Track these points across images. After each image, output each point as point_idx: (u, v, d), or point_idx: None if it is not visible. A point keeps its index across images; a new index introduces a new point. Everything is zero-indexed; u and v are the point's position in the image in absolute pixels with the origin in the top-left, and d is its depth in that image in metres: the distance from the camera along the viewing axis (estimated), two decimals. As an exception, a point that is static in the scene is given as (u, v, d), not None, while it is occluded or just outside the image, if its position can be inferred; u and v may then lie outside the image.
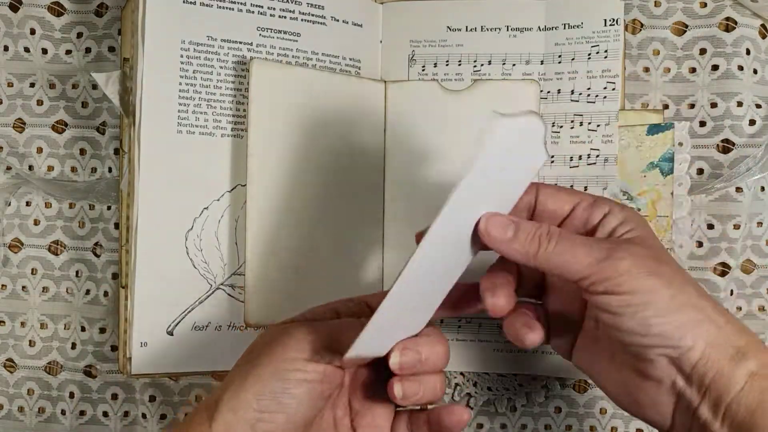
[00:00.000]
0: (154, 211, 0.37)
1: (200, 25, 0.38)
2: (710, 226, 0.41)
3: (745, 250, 0.41)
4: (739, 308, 0.41)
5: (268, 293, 0.38)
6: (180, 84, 0.37)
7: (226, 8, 0.39)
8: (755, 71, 0.41)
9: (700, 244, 0.41)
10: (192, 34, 0.38)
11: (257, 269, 0.37)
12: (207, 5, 0.38)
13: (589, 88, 0.41)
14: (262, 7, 0.39)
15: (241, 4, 0.39)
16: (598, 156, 0.40)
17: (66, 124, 0.43)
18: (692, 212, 0.41)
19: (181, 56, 0.38)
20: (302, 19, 0.40)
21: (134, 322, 0.36)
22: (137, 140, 0.37)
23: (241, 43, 0.39)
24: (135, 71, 0.37)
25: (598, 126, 0.40)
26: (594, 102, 0.40)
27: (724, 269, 0.41)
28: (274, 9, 0.40)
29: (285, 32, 0.40)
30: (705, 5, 0.42)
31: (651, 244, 0.28)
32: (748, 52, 0.41)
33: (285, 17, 0.40)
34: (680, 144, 0.40)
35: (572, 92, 0.41)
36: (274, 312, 0.38)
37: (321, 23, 0.41)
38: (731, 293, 0.41)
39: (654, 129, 0.40)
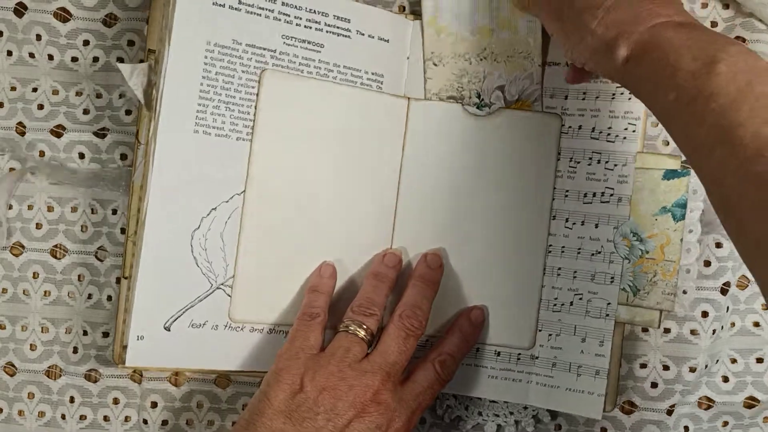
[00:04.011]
0: (164, 207, 0.37)
1: (227, 28, 0.37)
2: (718, 245, 0.41)
3: (741, 266, 0.41)
4: (733, 324, 0.42)
5: (256, 294, 0.39)
6: (201, 85, 0.37)
7: (254, 13, 0.38)
8: None
9: (708, 264, 0.41)
10: (218, 36, 0.37)
11: (248, 269, 0.38)
12: (235, 9, 0.37)
13: (610, 128, 0.40)
14: (288, 15, 0.39)
15: (269, 11, 0.38)
16: (612, 195, 0.40)
17: (64, 128, 0.42)
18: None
19: (206, 57, 0.37)
20: (327, 31, 0.39)
21: (133, 315, 0.36)
22: (155, 135, 0.36)
23: (264, 49, 0.38)
24: (160, 66, 0.36)
25: (615, 165, 0.40)
26: (614, 141, 0.40)
27: (725, 287, 0.41)
28: (300, 18, 0.39)
29: (309, 42, 0.39)
30: (716, 24, 0.42)
31: None
32: None
33: (310, 27, 0.39)
34: (694, 192, 0.41)
35: (593, 129, 0.40)
36: (260, 312, 0.39)
37: (345, 36, 0.40)
38: (727, 309, 0.41)
39: (670, 174, 0.40)
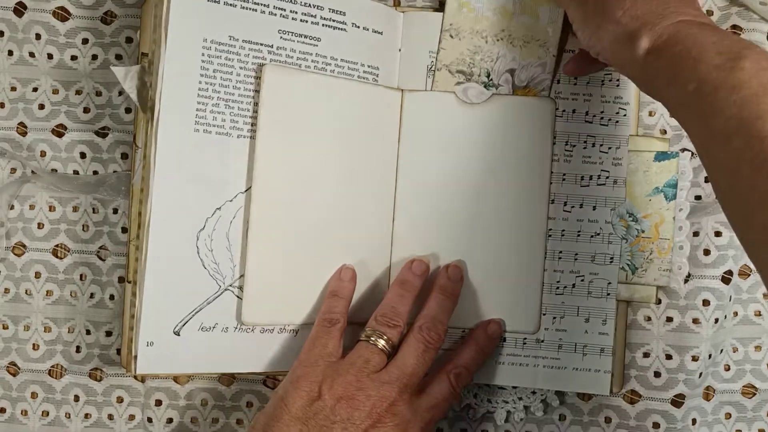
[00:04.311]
0: (167, 209, 0.36)
1: (223, 24, 0.37)
2: (717, 234, 0.42)
3: (743, 255, 0.41)
4: (736, 313, 0.42)
5: (267, 294, 0.38)
6: (200, 82, 0.37)
7: (249, 9, 0.38)
8: None
9: (707, 252, 0.42)
10: (214, 32, 0.37)
11: (257, 270, 0.38)
12: (231, 5, 0.37)
13: (602, 111, 0.41)
14: (284, 10, 0.39)
15: (264, 5, 0.38)
16: (608, 177, 0.41)
17: (65, 128, 0.42)
18: (700, 220, 0.42)
19: (203, 54, 0.37)
20: (323, 24, 0.40)
21: (141, 321, 0.36)
22: (154, 136, 0.36)
23: (261, 44, 0.38)
24: (156, 67, 0.36)
25: (609, 148, 0.41)
26: (607, 125, 0.41)
27: (727, 276, 0.41)
28: (296, 12, 0.39)
29: (306, 36, 0.39)
30: (711, 13, 0.42)
31: None
32: None
33: (306, 21, 0.39)
34: (682, 172, 0.41)
35: (586, 113, 0.41)
36: (271, 313, 0.39)
37: (341, 29, 0.40)
38: (730, 299, 0.42)
39: (661, 156, 0.41)
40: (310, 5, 0.40)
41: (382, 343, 0.37)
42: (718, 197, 0.29)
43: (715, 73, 0.29)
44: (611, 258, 0.41)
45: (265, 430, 0.34)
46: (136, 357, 0.36)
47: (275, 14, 0.39)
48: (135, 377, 0.42)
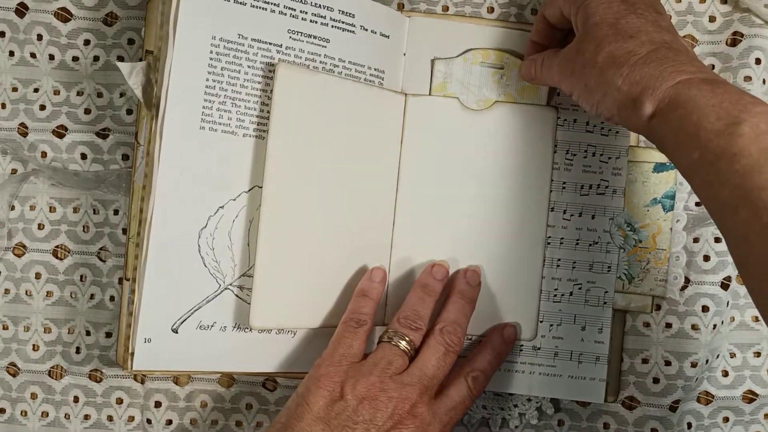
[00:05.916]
0: (170, 206, 0.36)
1: (232, 22, 0.37)
2: (717, 240, 0.42)
3: None
4: (733, 318, 0.42)
5: (276, 298, 0.38)
6: (207, 80, 0.36)
7: (260, 7, 0.38)
8: (764, 81, 0.41)
9: (707, 258, 0.42)
10: (223, 30, 0.37)
11: (267, 273, 0.37)
12: (241, 3, 0.37)
13: (602, 122, 0.42)
14: (294, 9, 0.38)
15: (274, 4, 0.38)
16: (607, 187, 0.42)
17: (66, 129, 0.42)
18: (701, 230, 0.42)
19: (211, 52, 0.37)
20: (332, 26, 0.39)
21: (140, 318, 0.36)
22: (159, 133, 0.35)
23: (270, 44, 0.38)
24: (162, 63, 0.35)
25: (609, 158, 0.42)
26: (607, 135, 0.42)
27: (726, 282, 0.42)
28: (306, 13, 0.39)
29: (315, 37, 0.39)
30: (714, 19, 0.42)
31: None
32: (758, 61, 0.41)
33: (316, 22, 0.39)
34: (680, 184, 0.42)
35: (587, 123, 0.42)
36: (280, 317, 0.38)
37: (350, 31, 0.40)
38: (727, 304, 0.42)
39: (659, 167, 0.42)
40: (320, 6, 0.39)
41: (404, 345, 0.37)
42: (734, 261, 0.29)
43: (716, 140, 0.29)
44: (609, 267, 0.42)
45: (287, 428, 0.34)
46: (133, 353, 0.36)
47: (285, 14, 0.38)
48: (135, 378, 0.42)
